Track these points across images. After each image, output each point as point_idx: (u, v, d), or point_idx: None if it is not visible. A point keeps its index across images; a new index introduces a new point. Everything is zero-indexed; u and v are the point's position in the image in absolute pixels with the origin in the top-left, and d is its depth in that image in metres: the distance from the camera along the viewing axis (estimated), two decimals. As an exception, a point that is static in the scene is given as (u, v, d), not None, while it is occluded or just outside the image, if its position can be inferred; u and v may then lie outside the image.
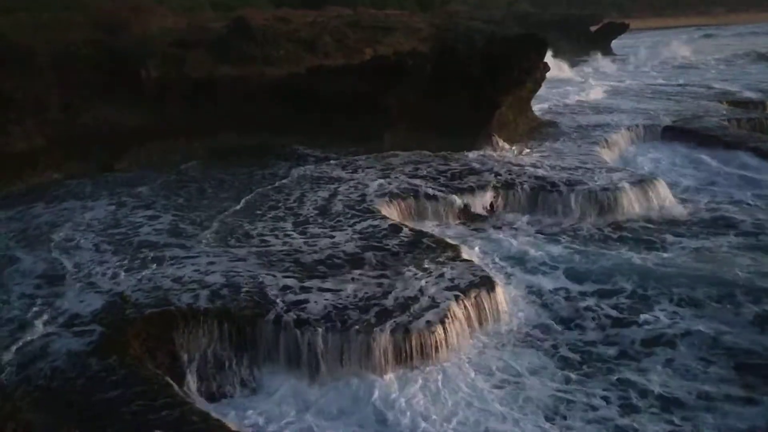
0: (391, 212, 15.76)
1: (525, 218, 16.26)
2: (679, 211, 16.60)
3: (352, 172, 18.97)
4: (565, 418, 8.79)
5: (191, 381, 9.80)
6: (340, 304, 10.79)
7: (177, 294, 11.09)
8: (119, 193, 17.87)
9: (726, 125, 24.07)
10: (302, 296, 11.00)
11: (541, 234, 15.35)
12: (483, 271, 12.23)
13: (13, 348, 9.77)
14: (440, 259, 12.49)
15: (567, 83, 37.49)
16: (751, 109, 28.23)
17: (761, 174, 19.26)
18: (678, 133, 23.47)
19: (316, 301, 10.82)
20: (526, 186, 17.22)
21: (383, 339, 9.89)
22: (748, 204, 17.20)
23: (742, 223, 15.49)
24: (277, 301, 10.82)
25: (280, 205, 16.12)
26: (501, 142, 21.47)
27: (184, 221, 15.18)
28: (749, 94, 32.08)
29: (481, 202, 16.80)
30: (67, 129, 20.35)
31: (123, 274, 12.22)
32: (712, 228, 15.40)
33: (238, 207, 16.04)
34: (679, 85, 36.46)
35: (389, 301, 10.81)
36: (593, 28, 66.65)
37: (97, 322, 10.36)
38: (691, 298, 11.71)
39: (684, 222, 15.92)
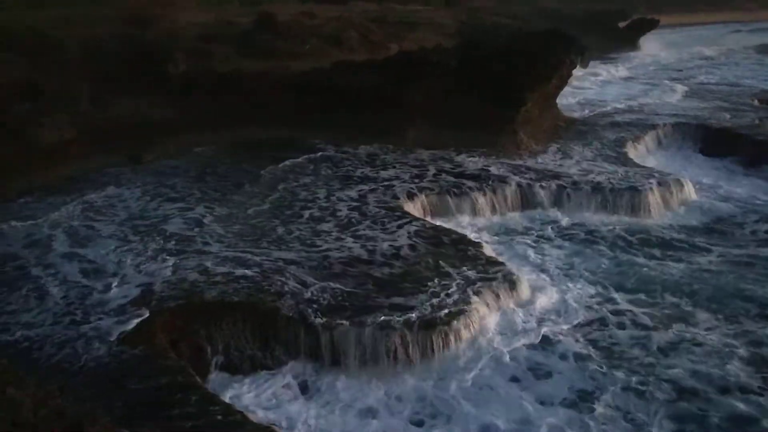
0: (417, 211, 15.82)
1: (549, 215, 16.16)
2: (704, 208, 16.61)
3: (380, 169, 18.88)
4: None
5: (214, 372, 10.01)
6: (361, 299, 10.90)
7: (204, 287, 11.29)
8: (149, 184, 18.10)
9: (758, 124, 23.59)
10: (324, 291, 11.16)
11: (565, 232, 15.28)
12: (507, 267, 12.28)
13: (51, 333, 10.10)
14: (465, 257, 12.54)
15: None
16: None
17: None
18: (705, 131, 23.07)
19: (334, 296, 10.98)
20: (552, 184, 17.12)
21: (405, 335, 9.99)
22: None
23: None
24: (300, 294, 10.97)
25: (311, 204, 16.01)
26: (526, 139, 21.28)
27: (216, 217, 15.17)
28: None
29: (504, 199, 16.74)
30: (97, 121, 20.67)
31: (154, 265, 12.42)
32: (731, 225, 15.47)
33: (267, 206, 15.91)
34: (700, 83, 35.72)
35: (411, 298, 10.89)
36: (622, 25, 65.53)
37: (130, 310, 10.62)
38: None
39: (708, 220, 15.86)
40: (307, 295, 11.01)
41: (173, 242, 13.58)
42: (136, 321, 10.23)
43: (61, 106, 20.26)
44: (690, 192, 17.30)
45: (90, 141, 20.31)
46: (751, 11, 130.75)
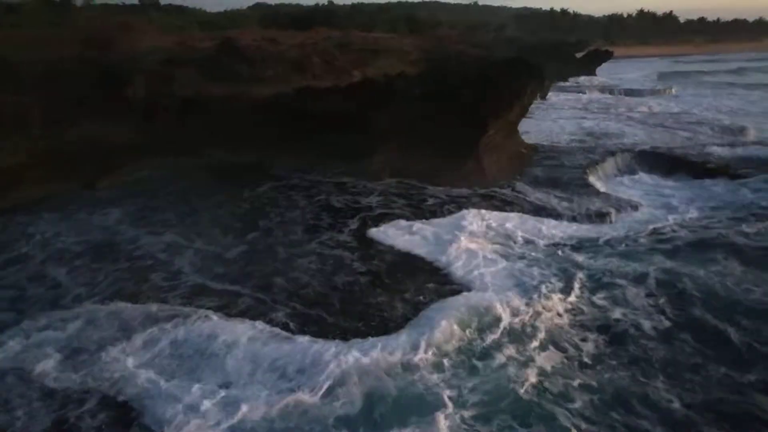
0: (387, 239, 15.64)
1: (513, 238, 16.18)
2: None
3: (349, 196, 18.74)
4: None
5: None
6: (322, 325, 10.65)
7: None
8: (103, 214, 17.41)
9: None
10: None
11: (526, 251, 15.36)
12: (475, 290, 12.26)
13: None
14: (432, 282, 12.59)
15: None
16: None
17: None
18: (653, 156, 24.04)
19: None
20: (517, 208, 17.39)
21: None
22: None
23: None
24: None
25: (277, 233, 15.60)
26: (489, 165, 21.52)
27: (178, 250, 14.52)
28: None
29: (470, 224, 16.77)
30: (52, 146, 20.05)
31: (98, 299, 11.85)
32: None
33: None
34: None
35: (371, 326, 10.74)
36: (579, 55, 67.93)
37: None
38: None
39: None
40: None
41: (130, 278, 13.01)
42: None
43: (14, 130, 19.59)
44: (641, 210, 18.00)
45: (44, 166, 19.64)
46: (697, 45, 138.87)
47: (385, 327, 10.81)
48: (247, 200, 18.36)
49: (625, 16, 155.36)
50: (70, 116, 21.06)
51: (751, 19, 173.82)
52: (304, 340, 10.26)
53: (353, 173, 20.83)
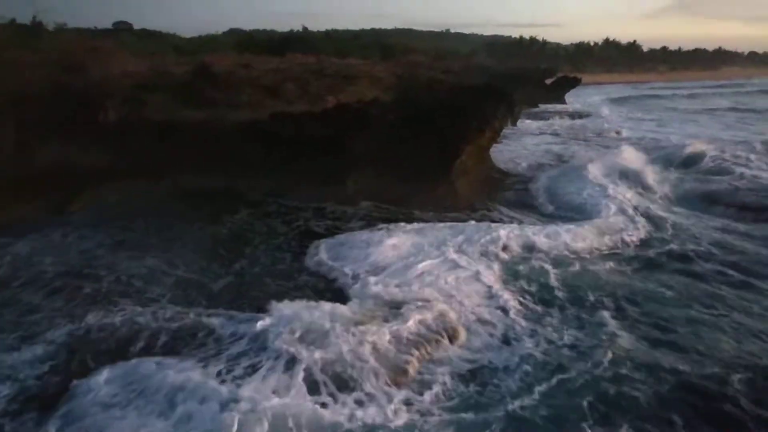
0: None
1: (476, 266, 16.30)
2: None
3: (335, 221, 18.79)
4: None
5: None
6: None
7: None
8: (80, 235, 17.01)
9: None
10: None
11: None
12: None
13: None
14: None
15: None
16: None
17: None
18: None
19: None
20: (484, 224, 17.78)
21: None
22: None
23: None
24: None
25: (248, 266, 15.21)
26: (462, 189, 21.91)
27: (160, 277, 14.06)
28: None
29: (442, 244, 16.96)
30: (23, 169, 19.73)
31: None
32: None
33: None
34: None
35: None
36: (548, 81, 69.74)
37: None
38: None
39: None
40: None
41: (108, 303, 12.67)
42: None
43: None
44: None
45: (11, 190, 19.29)
46: (661, 73, 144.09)
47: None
48: (226, 226, 18.23)
49: (591, 44, 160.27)
50: (41, 140, 20.83)
51: (710, 48, 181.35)
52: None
53: (328, 198, 20.93)
